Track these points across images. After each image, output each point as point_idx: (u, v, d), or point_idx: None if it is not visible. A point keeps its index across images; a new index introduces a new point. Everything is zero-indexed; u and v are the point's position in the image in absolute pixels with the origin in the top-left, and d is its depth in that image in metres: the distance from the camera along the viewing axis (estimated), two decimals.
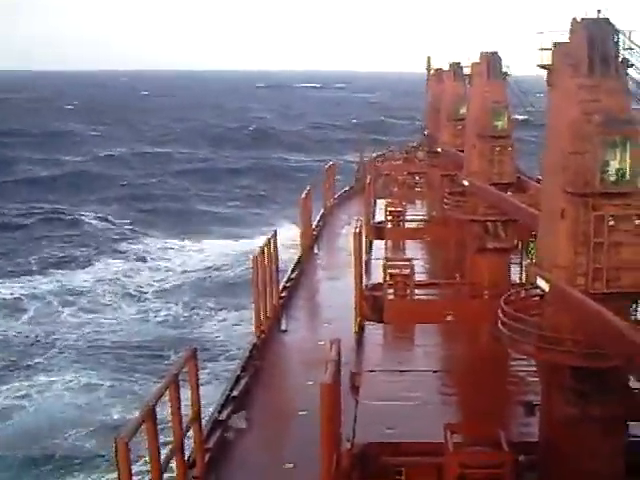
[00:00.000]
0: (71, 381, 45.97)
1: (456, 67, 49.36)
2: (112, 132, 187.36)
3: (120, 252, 78.95)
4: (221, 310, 59.73)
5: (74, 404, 42.71)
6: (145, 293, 65.17)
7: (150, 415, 15.28)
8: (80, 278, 68.75)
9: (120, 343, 52.72)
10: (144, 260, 76.24)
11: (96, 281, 67.62)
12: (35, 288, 65.56)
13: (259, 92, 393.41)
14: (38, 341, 53.15)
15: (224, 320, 57.43)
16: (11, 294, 63.42)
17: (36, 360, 49.41)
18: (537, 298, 19.25)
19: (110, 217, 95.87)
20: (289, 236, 55.84)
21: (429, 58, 71.65)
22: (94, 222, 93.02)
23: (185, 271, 71.76)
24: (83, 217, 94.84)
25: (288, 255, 45.42)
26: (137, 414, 15.52)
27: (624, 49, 16.98)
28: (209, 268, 72.16)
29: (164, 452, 16.82)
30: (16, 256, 76.96)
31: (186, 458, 18.54)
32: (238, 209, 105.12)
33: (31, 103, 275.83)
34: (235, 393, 24.50)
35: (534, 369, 21.56)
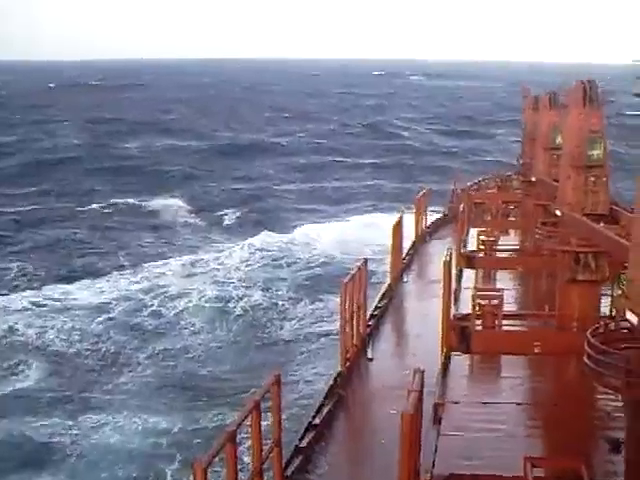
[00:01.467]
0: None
1: (552, 95, 48.86)
2: None
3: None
4: None
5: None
6: None
7: (230, 440, 15.39)
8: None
9: None
10: None
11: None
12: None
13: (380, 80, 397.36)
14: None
15: None
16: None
17: None
18: (626, 331, 18.82)
19: None
20: None
21: (524, 88, 71.01)
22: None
23: None
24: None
25: None
26: (217, 439, 15.63)
27: None
28: None
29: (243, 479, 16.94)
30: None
31: None
32: None
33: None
34: (317, 421, 24.50)
35: (621, 404, 21.03)
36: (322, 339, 54.20)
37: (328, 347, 48.24)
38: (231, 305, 62.01)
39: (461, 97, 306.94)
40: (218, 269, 71.32)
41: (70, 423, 40.21)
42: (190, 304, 61.38)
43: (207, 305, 61.73)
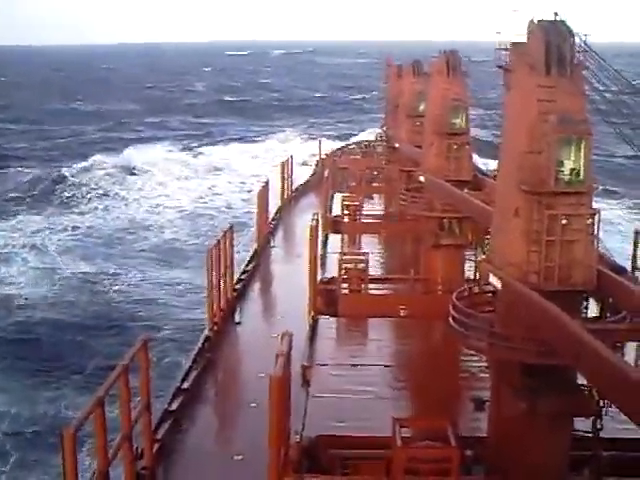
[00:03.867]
0: None
1: (416, 64, 49.62)
2: None
3: None
4: None
5: None
6: None
7: (99, 405, 15.16)
8: None
9: None
10: None
11: None
12: None
13: None
14: None
15: None
16: None
17: None
18: (489, 295, 19.45)
19: None
20: None
21: (389, 55, 71.95)
22: None
23: None
24: None
25: None
26: (86, 405, 15.37)
27: (579, 51, 17.20)
28: None
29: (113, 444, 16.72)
30: None
31: (135, 449, 18.44)
32: None
33: None
34: (186, 385, 24.39)
35: (485, 365, 21.79)
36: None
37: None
38: None
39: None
40: None
41: None
42: None
43: None
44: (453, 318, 18.83)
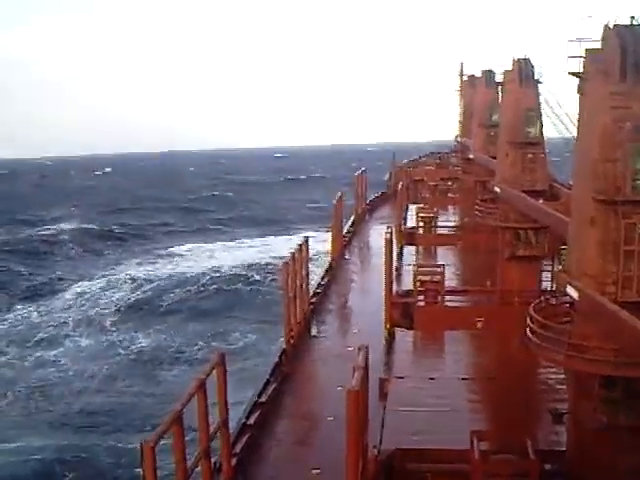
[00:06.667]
0: None
1: (488, 73, 49.36)
2: None
3: None
4: None
5: None
6: None
7: (177, 420, 15.33)
8: None
9: None
10: None
11: None
12: None
13: None
14: None
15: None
16: None
17: None
18: (567, 306, 19.17)
19: None
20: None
21: (462, 64, 71.61)
22: None
23: None
24: None
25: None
26: (164, 419, 15.55)
27: None
28: None
29: (191, 458, 16.88)
30: None
31: (213, 463, 18.59)
32: None
33: None
34: (263, 399, 24.53)
35: (563, 377, 21.45)
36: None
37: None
38: None
39: None
40: None
41: None
42: None
43: None
44: (530, 330, 18.61)
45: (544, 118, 32.57)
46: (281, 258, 37.31)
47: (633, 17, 17.10)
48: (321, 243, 54.29)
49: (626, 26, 17.01)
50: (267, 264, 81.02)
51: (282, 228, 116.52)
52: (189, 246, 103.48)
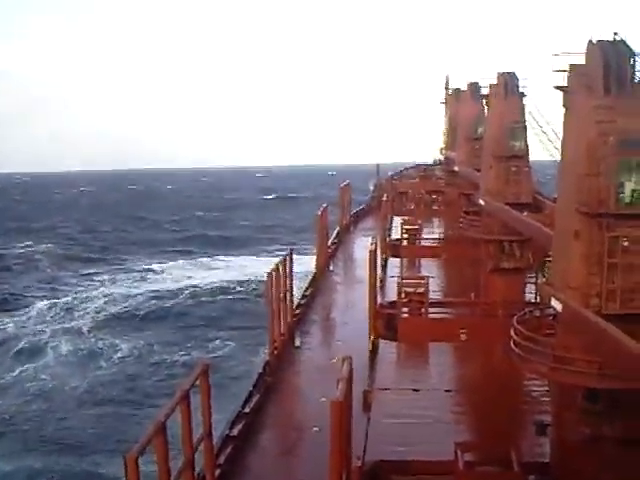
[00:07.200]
0: None
1: (474, 86, 49.57)
2: None
3: None
4: None
5: None
6: None
7: (160, 431, 15.23)
8: None
9: None
10: None
11: None
12: None
13: None
14: None
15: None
16: None
17: None
18: (550, 318, 19.24)
19: None
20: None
21: (447, 77, 71.97)
22: None
23: None
24: None
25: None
26: (147, 430, 15.45)
27: None
28: None
29: (175, 469, 16.78)
30: None
31: (197, 474, 18.49)
32: None
33: None
34: (247, 409, 24.47)
35: (547, 389, 21.51)
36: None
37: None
38: None
39: None
40: None
41: None
42: None
43: None
44: (514, 342, 18.65)
45: (529, 131, 32.83)
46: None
47: (616, 33, 17.29)
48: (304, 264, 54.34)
49: (609, 41, 17.19)
50: (247, 281, 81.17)
51: (264, 247, 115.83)
52: (169, 263, 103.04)
